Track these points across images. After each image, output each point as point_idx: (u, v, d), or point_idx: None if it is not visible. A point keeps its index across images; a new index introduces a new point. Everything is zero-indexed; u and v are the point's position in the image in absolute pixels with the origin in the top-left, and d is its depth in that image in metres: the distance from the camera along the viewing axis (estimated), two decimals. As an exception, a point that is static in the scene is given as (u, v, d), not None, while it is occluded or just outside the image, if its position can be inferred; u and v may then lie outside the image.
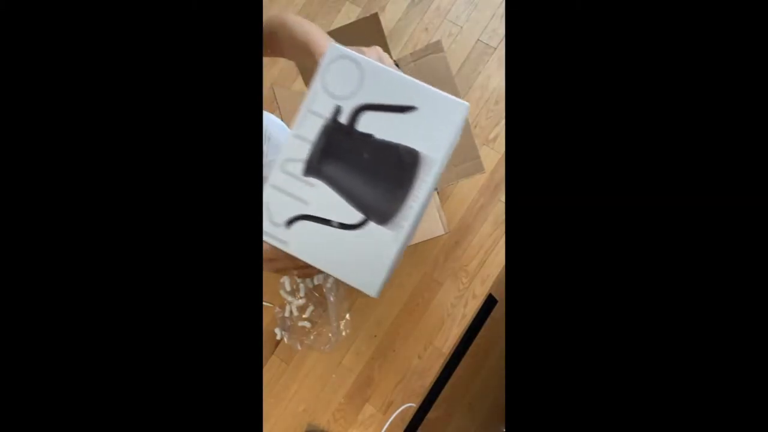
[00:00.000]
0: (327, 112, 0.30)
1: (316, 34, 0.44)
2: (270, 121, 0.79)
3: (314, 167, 0.30)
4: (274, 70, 1.05)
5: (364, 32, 0.76)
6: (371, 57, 0.37)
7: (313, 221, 0.31)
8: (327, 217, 0.31)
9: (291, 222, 0.30)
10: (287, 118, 0.74)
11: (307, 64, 0.46)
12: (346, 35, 0.76)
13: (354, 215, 0.31)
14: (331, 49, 0.30)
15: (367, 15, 0.76)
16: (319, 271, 0.35)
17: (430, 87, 0.32)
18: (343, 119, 0.30)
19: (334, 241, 0.31)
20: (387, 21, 1.03)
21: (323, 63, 0.30)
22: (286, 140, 0.29)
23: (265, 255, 0.38)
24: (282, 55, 0.55)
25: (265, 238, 0.31)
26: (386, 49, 0.77)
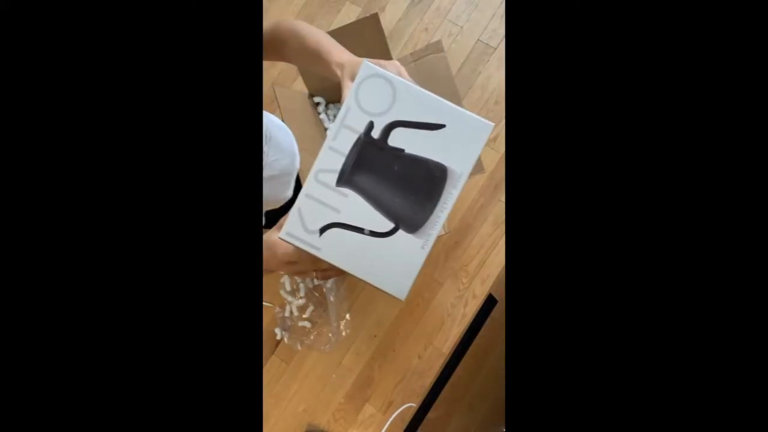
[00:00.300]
0: (360, 127, 0.32)
1: (326, 42, 0.46)
2: (270, 121, 0.79)
3: (347, 178, 0.32)
4: (274, 70, 1.05)
5: (364, 32, 0.76)
6: (391, 71, 0.39)
7: (345, 229, 0.33)
8: (359, 225, 0.33)
9: (324, 229, 0.33)
10: (287, 118, 0.74)
11: (315, 70, 0.47)
12: (346, 35, 0.76)
13: (384, 224, 0.33)
14: (364, 67, 0.33)
15: (367, 15, 0.76)
16: (338, 274, 0.36)
17: (457, 107, 0.35)
18: (376, 134, 0.33)
19: (365, 248, 0.33)
20: (387, 21, 1.03)
21: (357, 79, 0.32)
22: (321, 151, 0.31)
23: (286, 257, 0.38)
24: (289, 61, 0.56)
25: (297, 243, 0.32)
26: (386, 49, 0.77)
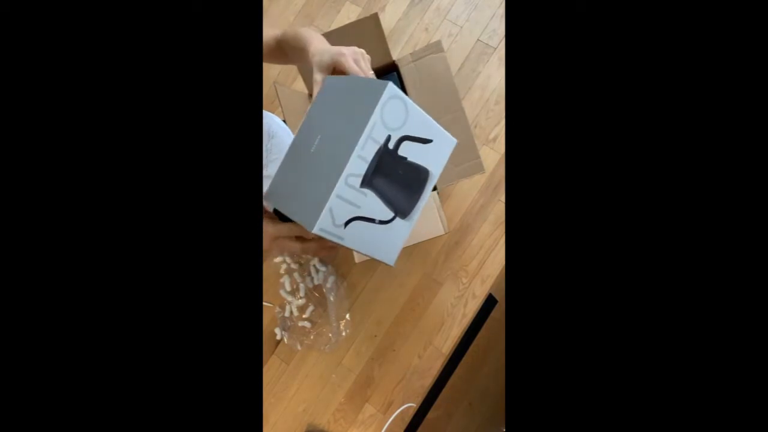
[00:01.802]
0: (381, 139, 0.40)
1: (314, 37, 0.52)
2: (273, 120, 0.80)
3: (368, 180, 0.40)
4: (274, 70, 1.05)
5: (364, 32, 0.76)
6: (349, 56, 0.46)
7: (362, 220, 0.41)
8: (372, 217, 0.42)
9: (347, 223, 0.40)
10: (288, 115, 0.74)
11: (307, 64, 0.52)
12: (346, 35, 0.76)
13: (387, 214, 0.43)
14: (389, 89, 0.39)
15: (367, 15, 0.76)
16: (328, 252, 0.47)
17: (438, 125, 0.45)
18: (391, 145, 0.40)
19: (372, 233, 0.42)
20: (387, 21, 1.03)
21: (383, 98, 0.39)
22: (349, 158, 0.39)
23: (277, 233, 0.45)
24: (295, 62, 0.64)
25: (326, 236, 0.39)
26: (386, 49, 0.77)
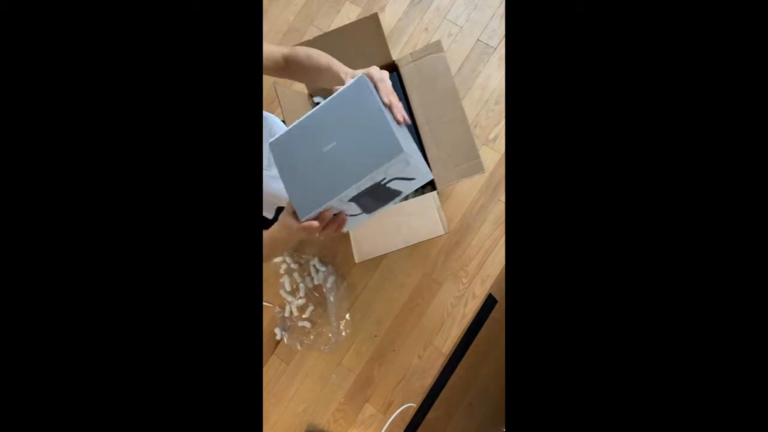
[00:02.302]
0: (379, 179, 0.50)
1: (334, 60, 0.60)
2: (273, 121, 0.81)
3: (357, 198, 0.51)
4: (274, 71, 1.05)
5: (364, 32, 0.76)
6: (377, 73, 0.52)
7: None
8: (346, 212, 0.54)
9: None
10: (288, 115, 0.74)
11: (321, 82, 0.62)
12: (346, 35, 0.76)
13: (357, 211, 0.55)
14: (401, 156, 0.47)
15: (367, 15, 0.76)
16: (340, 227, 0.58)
17: (425, 166, 0.56)
18: (384, 182, 0.51)
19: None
20: (387, 21, 1.03)
21: (393, 161, 0.47)
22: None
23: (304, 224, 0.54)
24: (302, 78, 0.71)
25: (306, 222, 0.52)
26: (386, 49, 0.77)
